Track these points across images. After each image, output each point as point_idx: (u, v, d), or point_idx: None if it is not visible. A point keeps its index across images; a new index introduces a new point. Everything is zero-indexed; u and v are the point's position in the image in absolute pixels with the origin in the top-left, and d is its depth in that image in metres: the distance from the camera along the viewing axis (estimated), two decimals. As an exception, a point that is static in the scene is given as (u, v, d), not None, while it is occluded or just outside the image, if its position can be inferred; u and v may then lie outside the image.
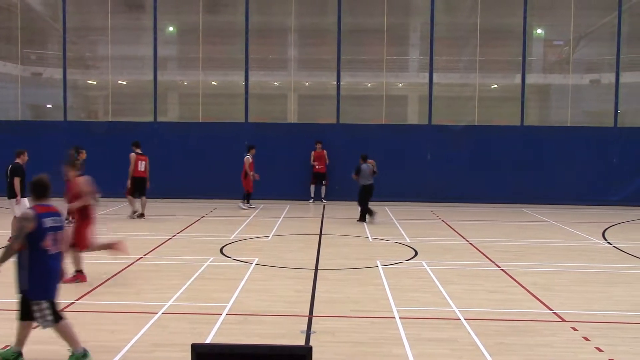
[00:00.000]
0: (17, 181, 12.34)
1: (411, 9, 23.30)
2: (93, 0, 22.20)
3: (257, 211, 18.23)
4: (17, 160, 12.71)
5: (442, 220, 16.95)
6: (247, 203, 18.85)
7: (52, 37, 22.60)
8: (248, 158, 18.80)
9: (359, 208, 16.47)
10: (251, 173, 18.72)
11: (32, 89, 22.93)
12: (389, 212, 18.43)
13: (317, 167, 20.30)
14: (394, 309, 8.40)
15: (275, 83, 23.12)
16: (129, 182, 16.69)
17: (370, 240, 13.93)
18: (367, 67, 22.30)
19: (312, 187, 20.57)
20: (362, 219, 16.30)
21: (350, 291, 9.36)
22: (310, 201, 20.41)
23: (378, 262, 11.35)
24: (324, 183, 20.47)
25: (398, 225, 15.92)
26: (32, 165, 18.08)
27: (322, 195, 20.51)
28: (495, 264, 11.42)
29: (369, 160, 16.36)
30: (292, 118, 22.19)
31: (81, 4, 22.08)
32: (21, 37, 21.97)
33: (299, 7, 21.61)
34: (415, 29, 23.31)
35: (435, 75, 21.22)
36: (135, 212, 16.60)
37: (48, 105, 23.16)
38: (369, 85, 22.89)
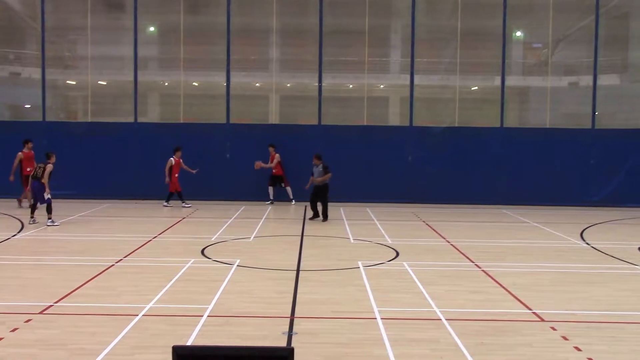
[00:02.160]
0: None
1: (392, 11, 23.41)
2: (72, 0, 21.97)
3: (238, 212, 18.18)
4: None
5: (423, 222, 17.04)
6: (168, 203, 19.13)
7: (31, 36, 22.36)
8: (171, 160, 19.00)
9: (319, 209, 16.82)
10: (175, 175, 19.10)
11: (10, 88, 22.66)
12: (370, 213, 18.49)
13: (273, 170, 20.20)
14: (376, 309, 8.43)
15: (257, 84, 23.09)
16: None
17: (352, 241, 13.95)
18: (349, 68, 22.35)
19: (271, 189, 20.36)
20: (318, 216, 16.73)
21: (331, 292, 9.37)
22: (268, 202, 20.23)
23: (359, 263, 11.38)
24: (282, 185, 20.36)
25: (379, 227, 15.97)
26: (9, 165, 17.96)
27: (291, 197, 20.37)
28: (475, 264, 11.50)
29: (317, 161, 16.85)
30: (274, 119, 22.18)
31: (60, 3, 21.86)
32: (0, 37, 21.71)
33: (280, 7, 21.60)
34: (397, 30, 23.42)
35: (416, 77, 21.33)
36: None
37: (27, 106, 22.90)
38: (351, 86, 22.94)
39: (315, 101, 21.30)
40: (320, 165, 16.67)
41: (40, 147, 19.57)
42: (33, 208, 15.36)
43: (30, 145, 18.42)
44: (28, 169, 17.63)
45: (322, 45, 21.10)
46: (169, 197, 19.14)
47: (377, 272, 10.78)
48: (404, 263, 11.44)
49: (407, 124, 21.40)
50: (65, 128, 21.22)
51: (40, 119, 21.18)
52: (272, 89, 22.26)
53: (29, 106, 22.67)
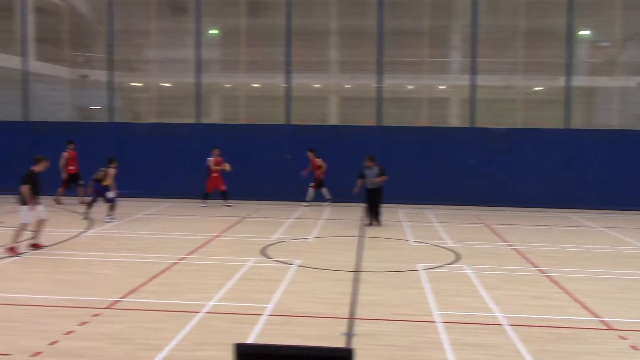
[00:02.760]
0: (24, 189, 12.05)
1: (453, 11, 23.10)
2: (138, 4, 22.62)
3: (298, 213, 18.30)
4: (33, 167, 12.39)
5: (485, 224, 16.74)
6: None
7: (99, 40, 23.11)
8: (209, 160, 19.30)
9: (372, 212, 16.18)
10: (214, 174, 19.27)
11: (79, 91, 23.51)
12: (429, 215, 18.30)
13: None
14: (435, 313, 8.34)
15: (316, 85, 23.19)
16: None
17: (412, 243, 13.84)
18: (408, 69, 22.21)
19: (325, 190, 20.06)
20: (376, 221, 16.06)
21: (391, 294, 9.32)
22: (326, 203, 19.96)
23: (419, 265, 11.28)
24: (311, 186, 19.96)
25: (439, 229, 15.78)
26: (79, 164, 18.62)
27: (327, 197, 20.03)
28: (539, 269, 11.23)
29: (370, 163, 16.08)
30: (333, 120, 22.22)
31: (127, 8, 22.52)
32: (70, 41, 22.56)
33: (340, 9, 21.65)
34: (457, 30, 23.11)
35: (477, 78, 20.98)
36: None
37: (95, 107, 23.68)
38: (410, 87, 22.76)
39: (374, 102, 21.23)
40: (376, 168, 15.98)
41: (106, 148, 20.24)
42: (89, 205, 16.09)
43: (72, 146, 19.28)
44: (70, 168, 18.51)
45: (382, 46, 21.01)
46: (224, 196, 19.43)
47: (437, 275, 10.66)
48: (465, 266, 11.27)
49: (467, 125, 21.08)
50: (130, 129, 21.84)
51: (107, 120, 21.88)
52: (331, 90, 22.33)
53: (97, 108, 23.44)
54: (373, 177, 15.87)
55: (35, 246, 12.15)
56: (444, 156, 20.63)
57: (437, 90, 22.97)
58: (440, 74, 22.70)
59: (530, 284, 10.17)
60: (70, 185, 19.43)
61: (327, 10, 21.64)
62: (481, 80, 21.23)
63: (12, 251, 11.70)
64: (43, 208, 12.32)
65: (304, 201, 19.78)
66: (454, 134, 21.11)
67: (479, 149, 20.58)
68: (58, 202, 19.12)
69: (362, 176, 15.97)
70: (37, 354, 6.60)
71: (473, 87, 20.92)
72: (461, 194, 20.34)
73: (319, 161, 19.59)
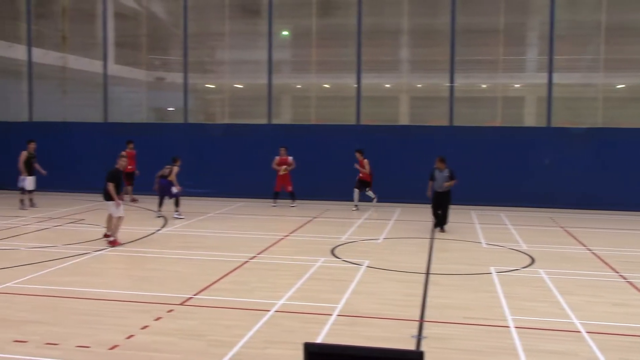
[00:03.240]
0: (111, 186, 12.65)
1: (529, 7, 22.44)
2: (212, 7, 23.10)
3: (367, 213, 18.23)
4: (117, 166, 13.07)
5: (561, 227, 16.18)
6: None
7: (174, 43, 23.74)
8: (276, 159, 19.36)
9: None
10: (279, 173, 19.33)
11: (156, 92, 24.24)
12: (503, 217, 17.84)
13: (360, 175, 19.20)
14: (509, 317, 8.10)
15: (387, 85, 23.03)
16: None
17: (484, 245, 13.53)
18: (482, 67, 21.73)
19: (356, 192, 19.22)
20: (443, 225, 15.30)
21: (462, 297, 9.13)
22: (354, 209, 18.91)
23: (492, 268, 11.01)
24: (367, 190, 19.23)
25: (514, 231, 15.36)
26: (154, 163, 19.18)
27: (373, 197, 19.31)
28: (620, 275, 10.74)
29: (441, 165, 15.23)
30: (404, 120, 22.01)
31: (201, 11, 23.05)
32: (146, 44, 23.29)
33: (411, 8, 21.42)
34: (534, 27, 22.44)
35: (555, 76, 20.28)
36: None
37: (170, 108, 24.36)
38: (484, 86, 22.28)
39: (446, 102, 20.89)
40: (446, 171, 15.11)
41: (181, 148, 20.80)
42: (160, 202, 16.75)
43: (131, 145, 19.93)
44: (129, 167, 19.08)
45: (454, 44, 20.65)
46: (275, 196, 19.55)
47: (510, 278, 10.37)
48: (540, 270, 10.92)
49: (544, 124, 20.41)
50: (204, 129, 22.34)
51: (182, 121, 22.46)
52: (402, 89, 22.13)
53: (172, 109, 24.10)
54: (442, 180, 15.09)
55: (112, 241, 12.63)
56: (519, 157, 20.06)
57: (512, 89, 22.37)
58: (515, 72, 22.07)
59: (610, 290, 9.74)
60: (129, 183, 20.18)
61: (399, 9, 21.45)
62: (559, 78, 20.51)
63: (114, 243, 12.53)
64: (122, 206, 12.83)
65: (353, 204, 19.12)
66: (529, 134, 20.49)
67: (555, 149, 19.90)
68: (133, 200, 19.82)
69: (432, 178, 15.25)
70: (114, 347, 6.82)
71: (550, 85, 20.24)
72: (536, 195, 19.71)
73: (366, 162, 18.92)
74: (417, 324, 7.84)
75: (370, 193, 19.19)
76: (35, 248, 12.36)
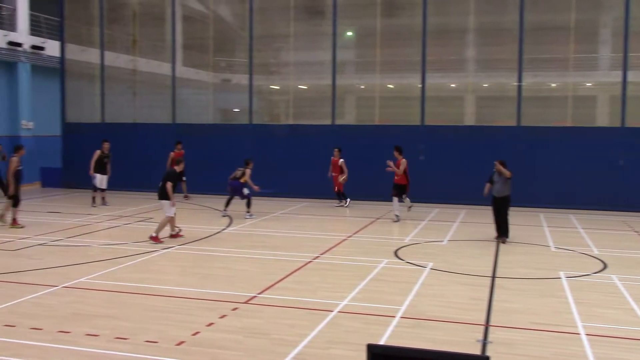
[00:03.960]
0: (169, 185, 13.03)
1: (602, 4, 21.66)
2: (277, 9, 23.33)
3: (432, 215, 18.01)
4: (174, 167, 13.58)
5: (636, 232, 15.54)
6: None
7: (240, 45, 24.11)
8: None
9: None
10: (333, 173, 19.32)
11: (222, 94, 24.68)
12: (573, 220, 17.29)
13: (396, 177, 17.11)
14: (579, 324, 7.84)
15: (452, 85, 22.70)
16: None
17: (553, 249, 13.14)
18: (551, 66, 21.12)
19: (395, 201, 16.98)
20: (498, 235, 14.00)
21: (529, 302, 8.90)
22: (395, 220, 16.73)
23: (561, 273, 10.68)
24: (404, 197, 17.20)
25: (584, 235, 14.86)
26: (220, 163, 19.57)
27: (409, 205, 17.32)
28: (699, 282, 10.23)
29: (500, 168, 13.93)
30: (469, 120, 21.63)
31: (266, 13, 23.32)
32: (213, 47, 23.74)
33: (478, 6, 21.03)
34: (607, 24, 21.64)
35: (629, 74, 19.49)
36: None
37: (235, 110, 24.75)
38: (553, 85, 21.64)
39: (513, 101, 20.40)
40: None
41: (246, 148, 21.12)
42: (227, 202, 17.01)
43: (180, 145, 20.29)
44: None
45: (523, 42, 20.14)
46: (339, 196, 19.56)
47: (581, 284, 10.03)
48: (613, 276, 10.51)
49: (618, 124, 19.64)
50: (268, 130, 22.60)
51: (247, 122, 22.78)
52: (467, 89, 21.76)
53: (238, 110, 24.47)
54: (499, 185, 13.86)
55: (154, 237, 13.02)
56: (590, 158, 19.39)
57: (583, 87, 21.64)
58: (587, 71, 21.34)
59: (689, 298, 9.29)
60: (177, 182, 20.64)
61: (465, 7, 21.09)
62: (633, 76, 19.72)
63: (156, 240, 12.87)
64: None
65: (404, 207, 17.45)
66: (601, 135, 19.78)
67: (630, 150, 19.13)
68: (186, 197, 20.31)
69: (491, 181, 14.09)
70: (181, 343, 6.98)
71: (624, 83, 19.47)
72: (608, 198, 19.01)
73: (403, 162, 16.75)
74: (482, 328, 7.68)
75: (407, 201, 17.14)
76: (106, 245, 12.79)
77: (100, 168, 18.63)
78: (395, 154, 16.94)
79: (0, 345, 6.84)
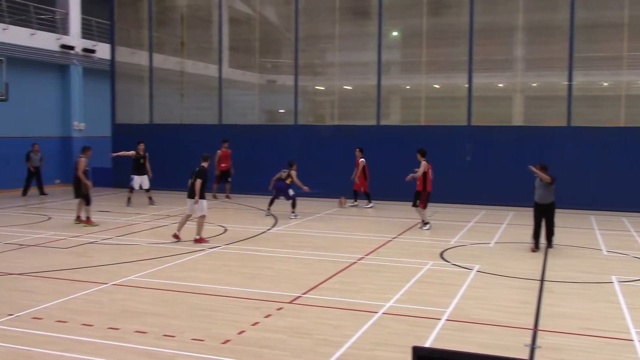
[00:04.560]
0: (199, 183, 13.05)
1: (658, -1, 21.00)
2: (322, 11, 23.38)
3: (478, 216, 17.76)
4: (203, 164, 13.45)
5: (692, 235, 15.01)
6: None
7: (285, 46, 24.26)
8: (363, 160, 19.22)
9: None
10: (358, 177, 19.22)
11: (267, 95, 24.88)
12: (627, 223, 16.80)
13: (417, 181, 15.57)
14: (632, 330, 7.61)
15: (500, 84, 22.34)
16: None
17: (605, 253, 12.79)
18: (603, 64, 20.59)
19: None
20: (535, 245, 12.75)
21: (580, 307, 8.68)
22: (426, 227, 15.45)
23: (613, 277, 10.38)
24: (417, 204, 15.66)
25: (638, 239, 14.42)
26: (265, 164, 19.71)
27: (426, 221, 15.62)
28: None
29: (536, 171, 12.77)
30: (518, 120, 21.24)
31: (312, 14, 23.38)
32: (259, 48, 23.94)
33: (527, 3, 20.63)
34: (662, 20, 20.98)
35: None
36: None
37: (281, 110, 24.90)
38: (605, 84, 21.07)
39: (563, 101, 19.95)
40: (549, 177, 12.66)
41: (292, 149, 21.24)
42: (271, 202, 17.28)
43: (226, 144, 20.65)
44: (223, 165, 19.82)
45: (573, 40, 19.67)
46: (367, 197, 19.49)
47: (635, 289, 9.74)
48: (668, 281, 10.18)
49: (674, 124, 19.02)
50: (313, 131, 22.66)
51: (293, 123, 22.89)
52: (516, 89, 21.38)
53: (283, 111, 24.62)
54: (542, 190, 12.69)
55: (198, 239, 13.10)
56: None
57: (637, 86, 21.01)
58: (641, 69, 20.73)
59: None
60: (221, 181, 20.81)
61: (513, 5, 20.72)
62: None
63: (202, 241, 13.02)
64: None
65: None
66: (656, 135, 19.18)
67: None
68: (214, 197, 20.64)
69: (535, 187, 12.91)
70: (226, 341, 7.05)
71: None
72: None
73: (424, 165, 15.38)
74: (530, 332, 7.53)
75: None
76: (154, 244, 13.03)
77: (137, 169, 18.90)
78: (418, 156, 15.55)
79: (53, 341, 7.04)
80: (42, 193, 21.91)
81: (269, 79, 24.96)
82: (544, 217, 12.69)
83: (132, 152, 19.04)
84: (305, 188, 17.09)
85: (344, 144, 21.62)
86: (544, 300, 8.95)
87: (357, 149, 19.52)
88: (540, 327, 7.75)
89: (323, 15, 23.29)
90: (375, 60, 21.75)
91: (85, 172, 15.37)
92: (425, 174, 15.26)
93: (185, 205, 13.68)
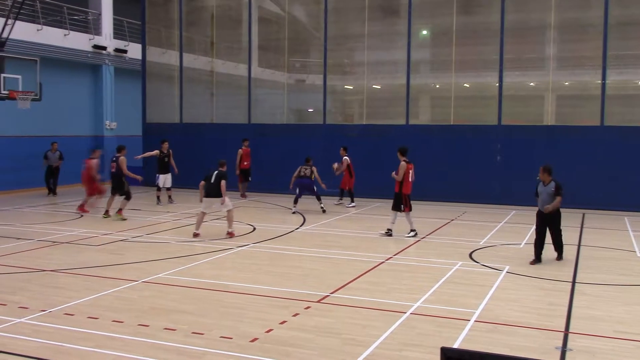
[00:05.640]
0: (224, 184, 13.67)
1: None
2: (351, 9, 23.32)
3: (509, 217, 17.56)
4: (221, 169, 14.07)
5: None
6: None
7: (314, 45, 24.26)
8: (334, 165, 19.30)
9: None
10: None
11: (296, 94, 24.92)
12: (660, 224, 16.45)
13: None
14: (668, 334, 7.45)
15: (531, 83, 22.04)
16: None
17: (639, 255, 12.54)
18: (638, 62, 20.19)
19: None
20: (539, 261, 11.43)
21: (613, 309, 8.52)
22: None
23: (647, 279, 10.18)
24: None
25: (672, 240, 14.12)
26: (294, 163, 19.70)
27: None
28: None
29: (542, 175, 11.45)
30: (549, 120, 20.94)
31: (341, 13, 23.36)
32: (288, 47, 23.99)
33: (559, 1, 20.32)
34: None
35: None
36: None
37: (309, 110, 24.93)
38: (640, 83, 20.67)
39: (597, 100, 19.60)
40: (552, 184, 11.33)
41: (320, 148, 21.24)
42: (296, 200, 17.77)
43: (247, 143, 20.92)
44: (244, 164, 20.40)
45: (607, 38, 19.31)
46: (350, 195, 19.47)
47: (669, 291, 9.53)
48: None
49: None
50: (342, 130, 22.62)
51: (321, 122, 22.89)
52: (548, 88, 21.07)
53: (312, 110, 24.64)
54: (546, 197, 11.28)
55: (230, 232, 13.83)
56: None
57: (673, 85, 20.58)
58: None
59: None
60: (244, 180, 20.94)
61: (546, 3, 20.42)
62: None
63: (233, 234, 13.70)
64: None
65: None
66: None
67: None
68: (243, 196, 20.89)
69: (536, 193, 11.60)
70: (254, 340, 7.08)
71: None
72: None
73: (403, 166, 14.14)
74: (561, 335, 7.42)
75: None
76: (183, 242, 13.15)
77: (162, 168, 19.20)
78: (400, 155, 14.30)
79: (84, 336, 7.15)
80: (53, 193, 21.83)
81: (298, 79, 25.00)
82: (548, 226, 11.38)
83: (156, 152, 19.34)
84: (323, 185, 17.79)
85: (373, 144, 21.56)
86: (576, 303, 8.81)
87: (342, 148, 19.57)
88: (571, 329, 7.63)
89: (352, 14, 23.23)
90: (405, 59, 21.63)
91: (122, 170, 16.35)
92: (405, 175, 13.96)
93: (200, 204, 14.15)
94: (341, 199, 19.84)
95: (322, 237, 14.25)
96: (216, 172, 13.82)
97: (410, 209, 14.19)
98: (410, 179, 14.12)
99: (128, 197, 16.35)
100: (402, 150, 14.31)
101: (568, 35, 20.99)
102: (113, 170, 16.50)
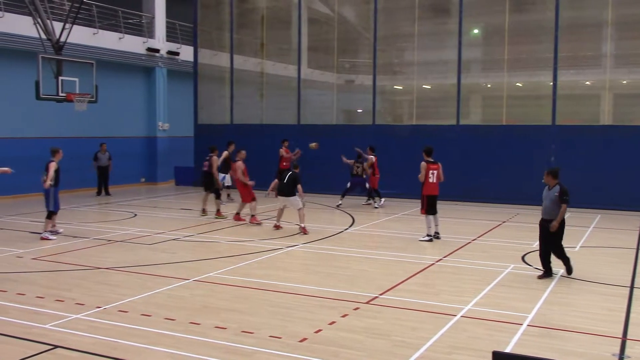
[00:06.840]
0: (300, 187, 14.46)
1: None
2: (401, 9, 23.18)
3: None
4: (295, 170, 14.99)
5: None
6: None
7: (364, 46, 24.21)
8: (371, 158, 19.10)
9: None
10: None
11: (345, 94, 24.92)
12: None
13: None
14: None
15: (587, 82, 21.47)
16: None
17: (700, 259, 12.07)
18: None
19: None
20: (550, 274, 10.25)
21: (673, 316, 8.22)
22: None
23: None
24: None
25: None
26: (340, 164, 19.69)
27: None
28: None
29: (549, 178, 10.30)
30: (606, 120, 20.34)
31: (391, 13, 23.23)
32: (337, 48, 24.01)
33: (617, -3, 19.75)
34: None
35: None
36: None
37: (359, 110, 24.88)
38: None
39: (656, 99, 18.96)
40: (557, 188, 10.07)
41: (365, 148, 21.13)
42: (343, 195, 18.96)
43: (286, 143, 21.04)
44: (284, 164, 20.54)
45: (668, 35, 18.66)
46: (377, 194, 19.30)
47: None
48: None
49: None
50: (391, 131, 22.50)
51: (370, 123, 22.82)
52: (604, 86, 20.48)
53: (361, 110, 24.59)
54: (550, 202, 10.10)
55: (303, 228, 14.43)
56: None
57: None
58: None
59: None
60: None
61: (602, 0, 19.87)
62: None
63: (305, 230, 14.37)
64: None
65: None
66: None
67: None
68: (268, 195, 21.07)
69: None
70: (303, 340, 7.10)
71: None
72: None
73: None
74: (619, 341, 7.20)
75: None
76: (234, 242, 13.31)
77: (227, 167, 19.46)
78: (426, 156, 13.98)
79: (138, 333, 7.31)
80: (107, 193, 22.37)
81: (347, 79, 24.99)
82: (548, 238, 10.16)
83: (225, 153, 19.55)
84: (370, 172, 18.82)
85: (423, 144, 21.30)
86: (634, 308, 8.53)
87: (369, 148, 19.36)
88: (629, 336, 7.39)
89: (402, 14, 23.09)
90: (455, 58, 21.36)
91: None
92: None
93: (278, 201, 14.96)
94: (369, 199, 19.71)
95: (371, 237, 14.21)
96: (290, 173, 14.74)
97: (428, 212, 13.54)
98: (432, 180, 13.66)
99: (217, 196, 16.97)
100: (427, 151, 13.97)
101: (625, 32, 20.36)
102: (205, 168, 17.23)
